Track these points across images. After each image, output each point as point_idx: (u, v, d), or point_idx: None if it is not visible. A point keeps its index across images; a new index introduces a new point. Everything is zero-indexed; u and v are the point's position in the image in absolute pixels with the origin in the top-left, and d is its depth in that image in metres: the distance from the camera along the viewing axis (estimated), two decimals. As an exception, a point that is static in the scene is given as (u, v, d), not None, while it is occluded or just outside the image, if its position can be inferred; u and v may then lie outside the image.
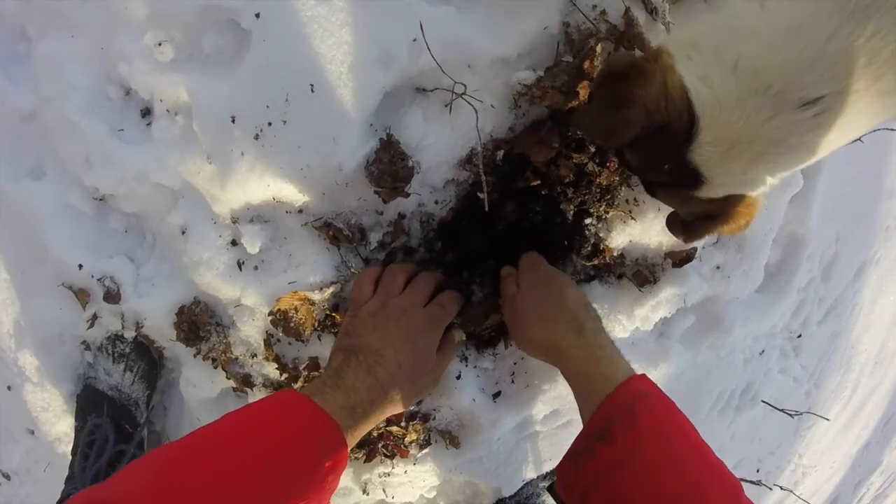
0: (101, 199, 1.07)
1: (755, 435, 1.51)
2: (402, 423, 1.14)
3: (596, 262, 1.14)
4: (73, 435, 1.24)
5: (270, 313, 1.02)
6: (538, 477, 1.31)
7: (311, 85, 0.85)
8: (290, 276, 1.00)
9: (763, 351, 1.39)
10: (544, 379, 1.16)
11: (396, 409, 0.89)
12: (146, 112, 1.00)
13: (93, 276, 1.09)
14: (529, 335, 0.97)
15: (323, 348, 1.07)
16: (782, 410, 1.35)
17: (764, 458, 1.57)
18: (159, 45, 0.90)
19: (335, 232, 0.98)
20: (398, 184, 0.91)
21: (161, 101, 0.95)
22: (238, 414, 0.76)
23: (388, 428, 1.14)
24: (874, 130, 0.74)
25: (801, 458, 1.67)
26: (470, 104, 0.88)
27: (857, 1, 0.57)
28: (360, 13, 0.84)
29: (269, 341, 1.06)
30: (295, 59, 0.84)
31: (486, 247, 1.09)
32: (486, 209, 0.91)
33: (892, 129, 1.24)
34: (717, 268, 1.24)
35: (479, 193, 0.94)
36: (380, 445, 1.17)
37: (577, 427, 0.88)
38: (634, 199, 1.08)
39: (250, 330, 1.06)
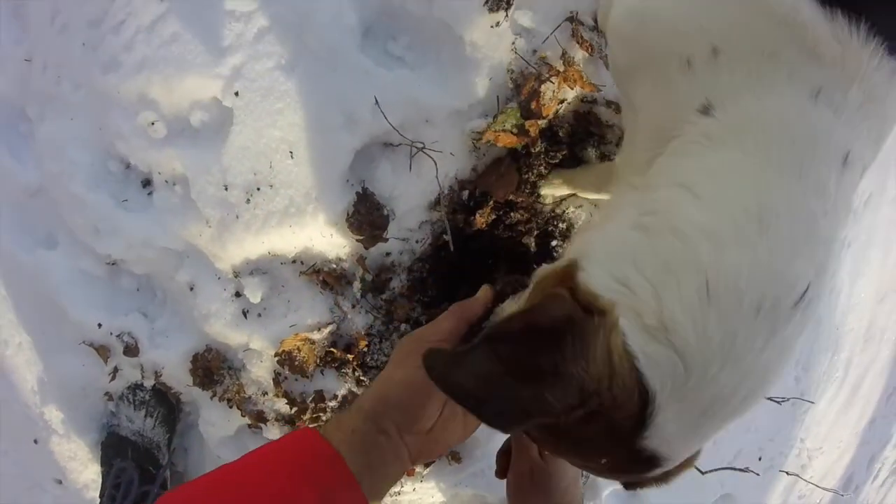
0: (112, 264, 1.16)
1: (750, 425, 1.54)
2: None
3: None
4: (99, 480, 1.32)
5: (276, 354, 1.11)
6: (542, 482, 1.38)
7: (291, 152, 0.94)
8: (290, 320, 1.09)
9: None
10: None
11: None
12: (147, 182, 1.09)
13: (111, 333, 1.19)
14: None
15: (326, 382, 1.16)
16: (769, 398, 1.40)
17: (764, 445, 1.59)
18: (152, 124, 1.00)
19: (325, 277, 1.06)
20: (376, 231, 1.00)
21: (159, 173, 1.04)
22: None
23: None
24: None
25: (804, 442, 1.66)
26: (430, 157, 0.97)
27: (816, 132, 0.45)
28: (326, 85, 0.94)
29: (277, 379, 1.15)
30: (273, 131, 0.94)
31: (461, 276, 1.16)
32: (452, 248, 1.00)
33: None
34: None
35: (444, 235, 1.05)
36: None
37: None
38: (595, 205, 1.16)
39: (260, 371, 1.15)
